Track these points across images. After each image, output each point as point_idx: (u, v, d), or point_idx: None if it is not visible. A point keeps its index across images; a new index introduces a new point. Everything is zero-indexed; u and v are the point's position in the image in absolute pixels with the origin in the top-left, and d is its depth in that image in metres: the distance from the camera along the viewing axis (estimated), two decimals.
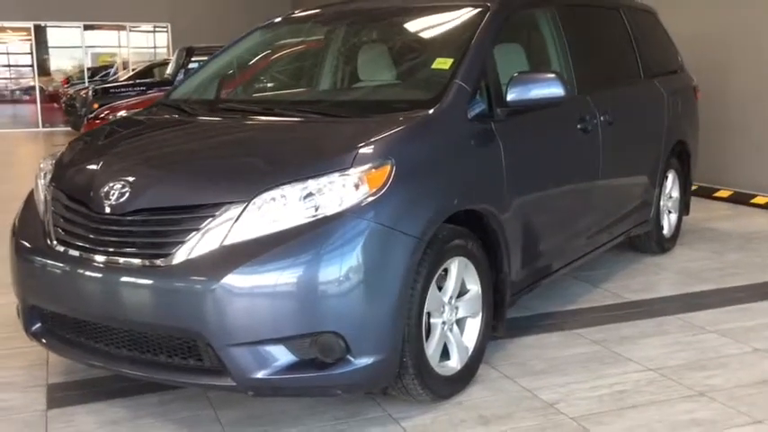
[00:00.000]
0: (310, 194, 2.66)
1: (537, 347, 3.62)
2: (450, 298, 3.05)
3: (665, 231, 5.25)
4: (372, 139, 2.84)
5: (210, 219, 2.66)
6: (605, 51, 4.63)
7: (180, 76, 11.92)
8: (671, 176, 5.25)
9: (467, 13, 3.65)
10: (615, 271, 4.86)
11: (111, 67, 20.87)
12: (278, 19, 4.34)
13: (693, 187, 7.31)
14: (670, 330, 3.83)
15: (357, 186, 2.68)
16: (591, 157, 4.05)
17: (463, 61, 3.28)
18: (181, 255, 2.65)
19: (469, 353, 3.16)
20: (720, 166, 7.45)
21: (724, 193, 7.26)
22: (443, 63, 3.34)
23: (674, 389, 3.14)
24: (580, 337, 3.75)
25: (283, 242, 2.60)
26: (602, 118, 4.09)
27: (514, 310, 4.02)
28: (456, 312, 3.10)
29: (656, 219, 5.04)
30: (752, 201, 6.94)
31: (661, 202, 5.10)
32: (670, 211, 5.34)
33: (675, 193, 5.37)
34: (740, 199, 7.06)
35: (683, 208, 5.53)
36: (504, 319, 3.40)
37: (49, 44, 21.05)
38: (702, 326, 3.87)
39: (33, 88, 20.12)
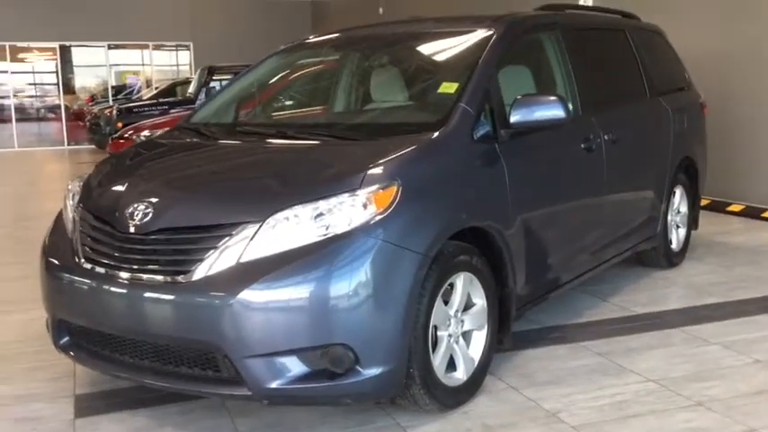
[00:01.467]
0: (321, 214, 2.82)
1: (543, 359, 3.74)
2: (456, 311, 3.19)
3: (674, 246, 5.35)
4: (380, 161, 3.00)
5: (228, 237, 2.83)
6: (610, 72, 4.76)
7: (201, 95, 12.19)
8: (678, 192, 5.36)
9: (473, 39, 3.81)
10: (623, 285, 4.97)
11: (133, 86, 21.26)
12: (292, 45, 4.53)
13: (706, 202, 7.42)
14: (674, 343, 3.94)
15: (365, 206, 2.84)
16: (595, 175, 4.18)
17: (468, 85, 3.44)
18: (200, 272, 2.82)
19: (475, 364, 3.29)
20: (733, 181, 7.54)
21: (736, 208, 7.34)
22: (449, 87, 3.50)
23: (673, 399, 3.26)
24: (586, 349, 3.87)
25: (296, 259, 2.76)
26: (605, 137, 4.22)
27: (523, 323, 4.16)
28: (462, 325, 3.23)
29: (664, 233, 5.14)
30: (763, 215, 7.02)
31: (669, 217, 5.21)
32: (678, 226, 5.45)
33: (684, 209, 5.47)
34: (752, 213, 7.15)
35: (692, 222, 5.63)
36: (509, 332, 3.53)
37: (74, 63, 21.49)
38: (706, 338, 3.98)
39: (59, 106, 20.55)
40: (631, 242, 4.77)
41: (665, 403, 3.22)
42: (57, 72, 20.42)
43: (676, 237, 5.41)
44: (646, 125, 4.91)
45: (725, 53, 7.58)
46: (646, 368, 3.59)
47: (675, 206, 5.35)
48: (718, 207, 7.45)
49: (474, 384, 3.29)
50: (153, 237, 2.97)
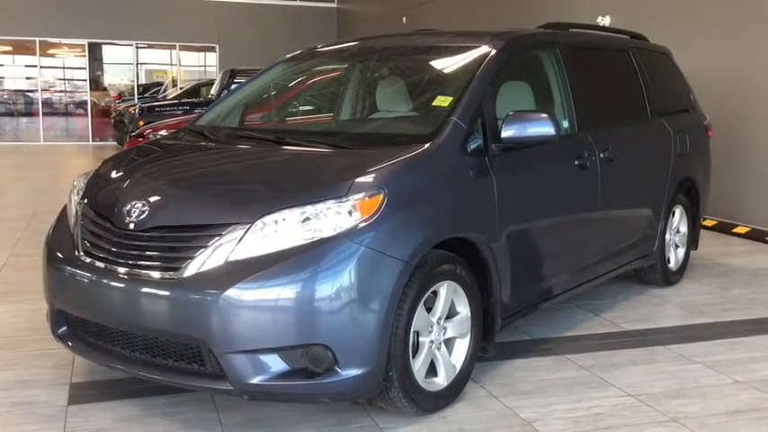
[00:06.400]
0: (308, 218, 2.94)
1: (527, 370, 3.82)
2: (439, 319, 3.28)
3: (671, 265, 5.40)
4: (368, 170, 3.10)
5: (218, 237, 2.95)
6: (610, 91, 4.82)
7: None
8: (678, 212, 5.40)
9: (471, 55, 3.89)
10: (618, 301, 5.03)
11: (161, 84, 21.61)
12: (298, 54, 4.66)
13: (713, 223, 7.45)
14: (658, 360, 4.00)
15: (351, 213, 2.95)
16: (588, 192, 4.25)
17: (461, 100, 3.53)
18: (190, 269, 2.94)
19: (457, 371, 3.37)
20: (740, 203, 7.56)
21: (742, 230, 7.36)
22: (443, 101, 3.60)
23: (648, 414, 3.33)
24: (570, 362, 3.94)
25: (281, 261, 2.87)
26: (601, 155, 4.29)
27: (513, 334, 4.24)
28: (444, 332, 3.32)
29: (661, 252, 5.19)
30: (767, 238, 7.03)
31: (667, 237, 5.25)
32: (677, 246, 5.49)
33: (683, 228, 5.52)
34: (757, 236, 7.16)
35: (692, 242, 5.66)
36: (494, 341, 3.62)
37: (104, 60, 21.91)
38: (690, 357, 4.03)
39: (86, 103, 20.92)
40: (626, 259, 4.82)
41: (639, 417, 3.29)
42: (85, 68, 20.77)
43: (675, 256, 5.45)
44: (644, 144, 4.97)
45: (734, 75, 7.61)
46: (626, 383, 3.66)
47: (674, 226, 5.40)
48: (724, 228, 7.48)
49: (454, 390, 3.38)
50: (148, 234, 3.09)
